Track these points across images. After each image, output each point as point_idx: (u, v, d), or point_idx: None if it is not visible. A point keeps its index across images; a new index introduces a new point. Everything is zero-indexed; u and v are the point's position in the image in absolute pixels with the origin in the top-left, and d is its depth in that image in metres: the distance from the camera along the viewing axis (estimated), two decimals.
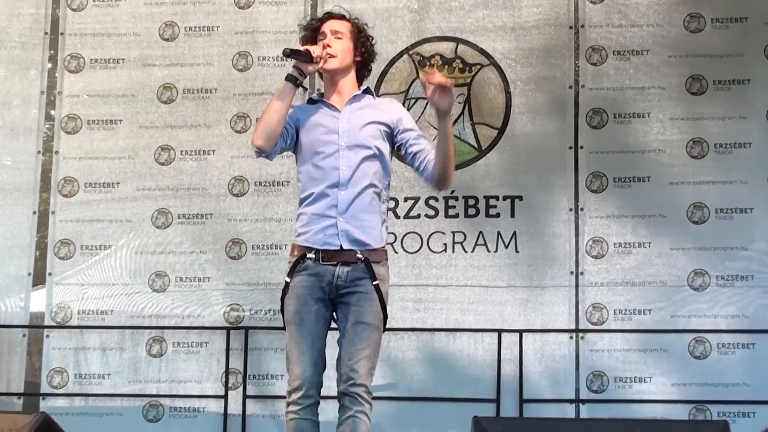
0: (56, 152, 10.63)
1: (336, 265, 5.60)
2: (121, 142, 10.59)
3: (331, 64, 5.82)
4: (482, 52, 10.52)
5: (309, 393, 5.48)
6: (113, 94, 10.68)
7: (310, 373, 5.49)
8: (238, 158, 10.47)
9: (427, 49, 10.56)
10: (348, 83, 5.92)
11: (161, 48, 10.68)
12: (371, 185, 5.73)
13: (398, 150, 5.94)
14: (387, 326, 5.73)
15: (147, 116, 10.60)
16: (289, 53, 5.62)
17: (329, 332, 5.70)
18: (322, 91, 6.02)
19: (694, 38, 10.33)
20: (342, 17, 5.99)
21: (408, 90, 10.46)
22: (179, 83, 10.60)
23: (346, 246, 5.61)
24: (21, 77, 10.73)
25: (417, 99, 10.36)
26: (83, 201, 10.54)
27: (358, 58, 5.94)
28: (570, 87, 10.44)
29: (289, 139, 5.84)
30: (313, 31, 5.93)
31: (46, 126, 11.04)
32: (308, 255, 5.64)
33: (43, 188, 10.82)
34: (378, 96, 6.11)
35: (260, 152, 5.75)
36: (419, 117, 10.03)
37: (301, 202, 5.80)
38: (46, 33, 10.77)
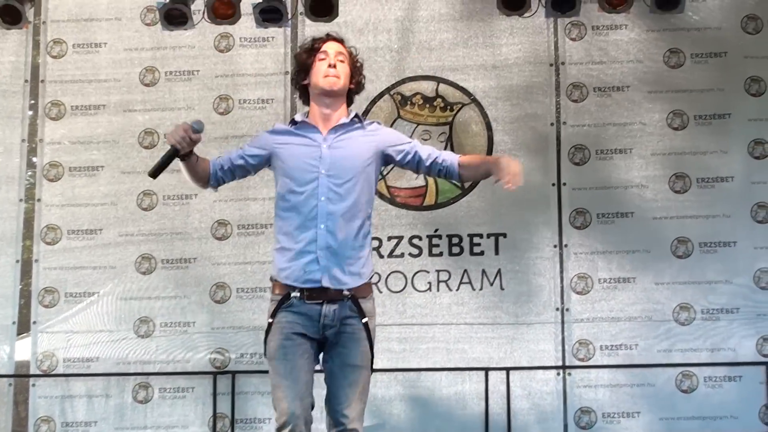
0: (38, 200, 10.58)
1: (322, 304, 5.28)
2: (103, 188, 10.55)
3: (336, 85, 5.54)
4: (463, 90, 10.53)
5: (297, 429, 5.16)
6: (94, 140, 10.63)
7: (297, 409, 5.17)
8: (220, 202, 10.40)
9: (408, 88, 10.55)
10: (339, 110, 5.61)
11: (141, 93, 10.64)
12: (355, 216, 5.41)
13: (403, 165, 5.65)
14: (373, 366, 5.50)
15: (129, 161, 10.55)
16: (156, 171, 5.32)
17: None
18: (306, 113, 5.69)
19: (674, 73, 10.39)
20: (342, 42, 5.74)
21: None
22: (160, 128, 10.53)
23: (327, 284, 5.29)
24: (2, 125, 10.68)
25: None
26: (66, 248, 10.48)
27: (352, 86, 5.68)
28: (552, 124, 10.45)
29: (247, 171, 5.63)
30: (311, 51, 5.64)
31: (28, 174, 10.96)
32: (292, 294, 5.32)
33: (26, 236, 10.76)
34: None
35: (209, 186, 5.63)
36: None
37: (280, 232, 5.48)
38: (26, 81, 10.74)
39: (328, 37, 5.70)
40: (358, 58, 5.75)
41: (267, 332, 5.35)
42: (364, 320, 5.32)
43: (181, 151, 5.27)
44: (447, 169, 5.60)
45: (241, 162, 5.58)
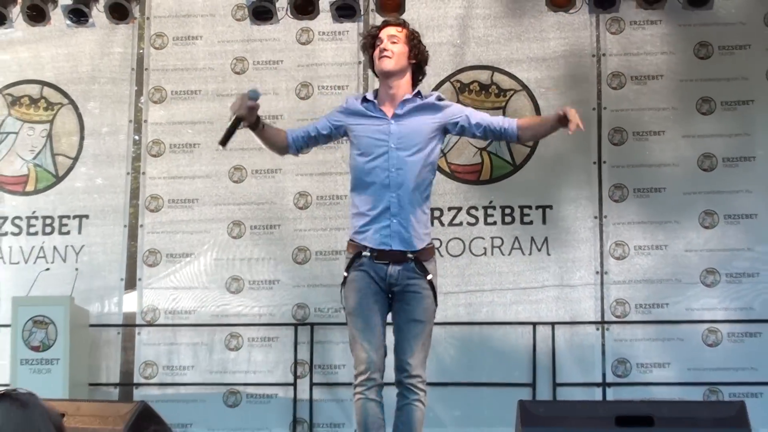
0: (143, 173, 10.82)
1: (388, 264, 5.46)
2: (199, 163, 10.77)
3: (387, 65, 5.63)
4: (515, 78, 10.62)
5: (372, 376, 5.36)
6: (192, 121, 10.85)
7: (373, 358, 5.38)
8: (301, 176, 10.64)
9: (466, 76, 10.68)
10: (403, 85, 5.67)
11: (233, 81, 10.82)
12: (421, 185, 5.55)
13: (463, 133, 5.78)
14: (437, 320, 5.70)
15: None
16: (225, 139, 5.58)
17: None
18: (376, 91, 5.79)
19: (703, 64, 10.41)
20: (398, 24, 5.78)
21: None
22: None
23: (398, 247, 5.46)
24: (112, 109, 10.94)
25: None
26: (167, 215, 10.72)
27: (412, 61, 5.69)
28: (594, 109, 10.52)
29: (325, 140, 5.84)
30: (372, 38, 5.76)
31: (134, 150, 11.21)
32: (363, 253, 5.51)
33: (132, 205, 11.03)
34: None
35: (287, 153, 5.91)
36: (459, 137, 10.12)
37: (356, 199, 5.64)
38: (132, 69, 10.98)
39: (384, 24, 5.80)
40: (418, 37, 5.75)
41: (342, 285, 5.56)
42: (428, 277, 5.48)
43: (244, 119, 5.49)
44: (504, 132, 5.69)
45: (316, 133, 5.75)
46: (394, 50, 5.63)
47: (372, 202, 5.54)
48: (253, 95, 5.51)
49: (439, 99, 5.78)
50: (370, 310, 5.46)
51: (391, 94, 5.67)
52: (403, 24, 5.80)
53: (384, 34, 5.70)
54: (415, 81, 5.77)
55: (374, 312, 5.46)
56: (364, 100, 5.72)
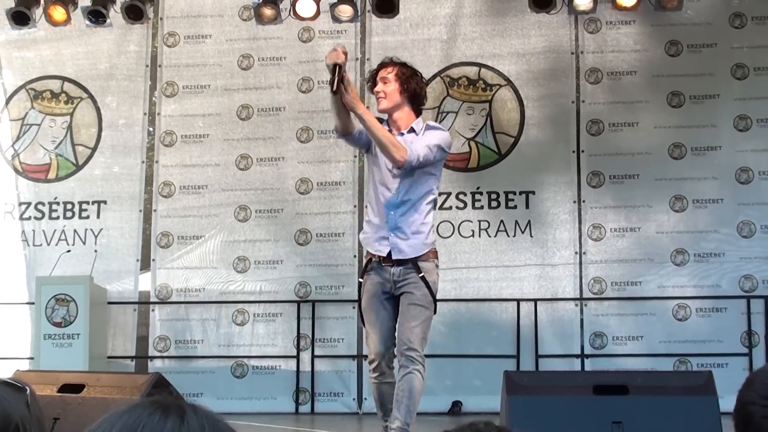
0: (156, 161, 10.92)
1: (392, 266, 5.92)
2: (209, 152, 10.85)
3: (382, 105, 6.02)
4: (500, 74, 10.71)
5: (381, 365, 5.90)
6: (201, 113, 10.93)
7: (380, 349, 5.90)
8: (304, 164, 10.73)
9: (455, 72, 10.76)
10: (403, 117, 6.02)
11: (240, 76, 10.91)
12: (417, 203, 5.94)
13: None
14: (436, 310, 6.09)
15: (229, 131, 10.85)
16: (335, 85, 5.66)
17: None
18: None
19: (673, 61, 10.52)
20: (388, 65, 6.08)
21: (440, 105, 10.62)
22: (254, 104, 10.85)
23: (396, 256, 5.92)
24: (129, 103, 11.02)
25: (447, 113, 10.55)
26: (179, 200, 10.81)
27: (405, 94, 5.98)
28: (572, 102, 10.64)
29: (362, 143, 6.06)
30: (372, 81, 6.09)
31: (148, 140, 11.29)
32: (373, 258, 6.01)
33: (147, 191, 11.08)
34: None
35: (337, 132, 6.04)
36: (450, 127, 10.30)
37: (367, 208, 6.23)
38: (147, 66, 11.06)
39: (378, 67, 6.16)
40: (408, 70, 6.04)
41: (359, 287, 6.16)
42: (420, 275, 5.91)
43: (343, 65, 5.66)
44: None
45: (366, 140, 6.01)
46: (386, 90, 5.98)
47: (376, 215, 6.03)
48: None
49: (428, 127, 6.09)
50: (379, 309, 5.99)
51: (395, 124, 6.03)
52: (393, 63, 6.11)
53: (378, 77, 6.05)
54: (416, 108, 6.09)
55: (382, 310, 5.98)
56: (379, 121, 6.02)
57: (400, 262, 5.91)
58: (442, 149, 6.00)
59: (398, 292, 5.96)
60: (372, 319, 5.98)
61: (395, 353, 6.00)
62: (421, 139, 5.93)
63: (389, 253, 5.92)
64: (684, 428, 5.35)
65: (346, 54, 5.71)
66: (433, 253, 6.03)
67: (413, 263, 5.91)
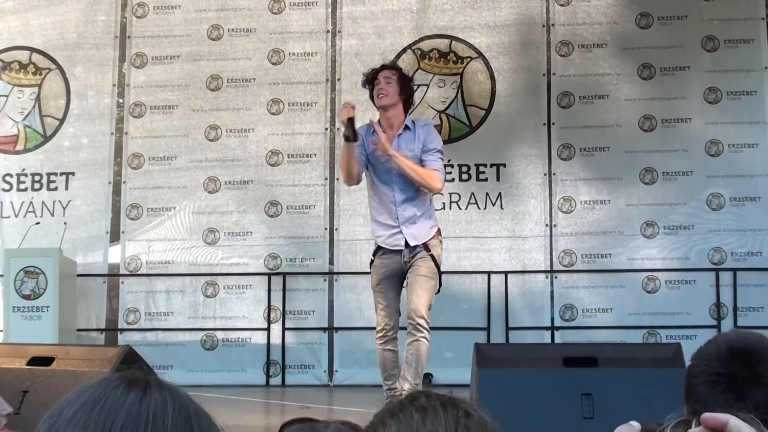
0: (126, 133, 10.87)
1: (403, 250, 6.62)
2: (177, 123, 10.82)
3: (384, 101, 6.68)
4: (471, 46, 10.71)
5: (387, 334, 6.62)
6: (170, 84, 10.89)
7: (389, 321, 6.63)
8: (273, 135, 10.72)
9: (426, 44, 10.75)
10: (397, 115, 6.75)
11: (209, 46, 10.88)
12: (421, 197, 6.67)
13: None
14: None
15: (198, 102, 10.82)
16: (352, 133, 6.43)
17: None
18: (378, 121, 6.74)
19: (644, 33, 10.55)
20: (392, 67, 7.04)
21: (411, 78, 10.54)
22: (224, 74, 10.82)
23: (412, 243, 6.59)
24: (96, 73, 10.97)
25: (419, 86, 10.48)
26: (148, 172, 10.76)
27: (402, 96, 6.76)
28: (543, 75, 10.65)
29: (365, 162, 6.71)
30: (372, 79, 6.75)
31: (117, 112, 11.22)
32: (384, 247, 6.72)
33: (116, 162, 11.04)
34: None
35: (349, 182, 6.84)
36: (421, 100, 10.28)
37: (372, 208, 6.81)
38: (116, 36, 11.00)
39: (381, 68, 6.90)
40: (407, 76, 6.97)
41: (371, 264, 6.84)
42: (429, 253, 6.61)
43: (353, 116, 6.41)
44: None
45: (366, 165, 6.74)
46: (388, 89, 6.68)
47: (384, 212, 6.69)
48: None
49: (421, 126, 6.86)
50: (387, 286, 6.69)
51: (389, 123, 6.73)
52: (394, 67, 7.13)
53: (381, 76, 6.74)
54: (406, 109, 6.86)
55: (390, 288, 6.69)
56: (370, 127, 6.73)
57: (410, 246, 6.60)
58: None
59: (408, 267, 6.61)
60: (384, 296, 6.67)
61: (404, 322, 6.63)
62: (428, 152, 6.63)
63: (406, 243, 6.57)
64: (653, 400, 5.38)
65: (354, 107, 6.46)
66: (438, 231, 6.74)
67: (422, 245, 6.60)
